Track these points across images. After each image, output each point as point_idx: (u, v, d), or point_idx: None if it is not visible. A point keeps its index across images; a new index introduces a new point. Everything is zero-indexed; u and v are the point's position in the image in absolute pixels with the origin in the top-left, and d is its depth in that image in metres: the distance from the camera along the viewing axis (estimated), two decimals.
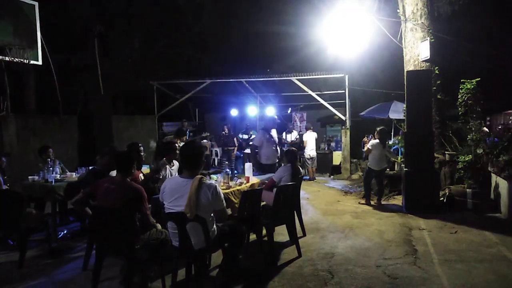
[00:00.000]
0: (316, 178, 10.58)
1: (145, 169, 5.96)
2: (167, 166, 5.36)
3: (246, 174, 5.41)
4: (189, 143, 5.14)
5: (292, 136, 11.20)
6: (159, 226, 3.61)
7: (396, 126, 10.46)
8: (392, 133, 11.53)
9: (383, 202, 7.19)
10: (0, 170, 5.04)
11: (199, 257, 3.27)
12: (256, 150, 7.22)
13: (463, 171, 6.78)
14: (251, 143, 7.14)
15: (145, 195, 3.46)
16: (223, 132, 10.78)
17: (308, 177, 10.38)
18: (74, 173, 5.69)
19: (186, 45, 14.84)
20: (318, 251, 4.57)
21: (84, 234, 5.05)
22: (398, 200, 7.35)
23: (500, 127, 12.10)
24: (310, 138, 10.67)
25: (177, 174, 5.21)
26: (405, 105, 7.01)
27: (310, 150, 10.55)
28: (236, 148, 10.77)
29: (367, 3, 8.46)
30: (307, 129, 11.14)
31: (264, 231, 4.39)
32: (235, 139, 10.80)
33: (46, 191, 5.02)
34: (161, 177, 5.22)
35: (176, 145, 5.50)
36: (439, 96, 7.81)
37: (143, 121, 11.96)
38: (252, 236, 4.52)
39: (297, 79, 10.46)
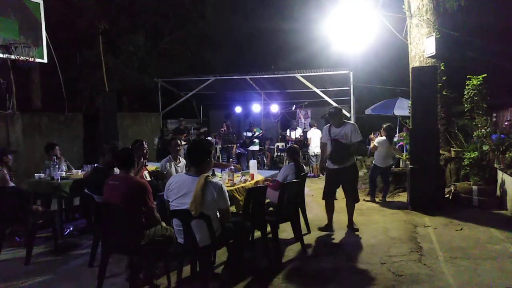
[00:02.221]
0: (320, 175, 10.56)
1: (150, 166, 5.99)
2: (173, 162, 5.40)
3: (251, 171, 5.42)
4: (198, 141, 5.15)
5: (296, 133, 11.20)
6: (163, 223, 3.63)
7: (401, 123, 10.42)
8: (397, 130, 11.48)
9: (388, 199, 7.16)
10: (7, 168, 5.08)
11: (204, 254, 3.28)
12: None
13: (469, 168, 6.73)
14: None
15: (149, 189, 3.44)
16: (222, 129, 10.86)
17: (312, 175, 10.37)
18: (80, 171, 5.73)
19: (190, 42, 14.86)
20: (323, 248, 4.57)
21: (90, 231, 5.09)
22: (403, 197, 7.31)
23: (506, 123, 11.97)
24: (314, 135, 10.63)
25: (183, 171, 5.24)
26: (410, 102, 6.96)
27: (315, 147, 10.51)
28: (236, 146, 10.80)
29: None
30: (311, 126, 11.10)
31: (268, 228, 4.40)
32: (234, 136, 10.86)
33: (52, 188, 5.05)
34: (165, 172, 5.26)
35: (179, 141, 5.53)
36: (444, 93, 7.75)
37: (147, 118, 11.99)
38: (257, 233, 4.53)
39: (301, 76, 10.43)
